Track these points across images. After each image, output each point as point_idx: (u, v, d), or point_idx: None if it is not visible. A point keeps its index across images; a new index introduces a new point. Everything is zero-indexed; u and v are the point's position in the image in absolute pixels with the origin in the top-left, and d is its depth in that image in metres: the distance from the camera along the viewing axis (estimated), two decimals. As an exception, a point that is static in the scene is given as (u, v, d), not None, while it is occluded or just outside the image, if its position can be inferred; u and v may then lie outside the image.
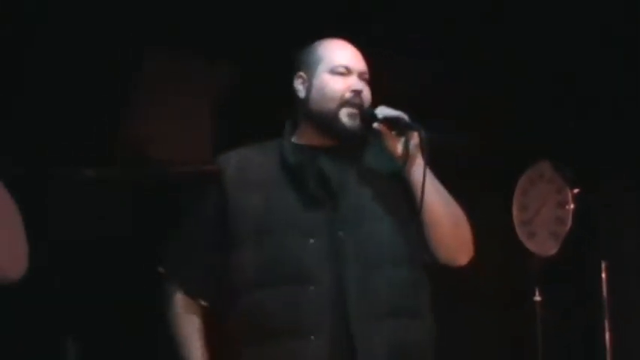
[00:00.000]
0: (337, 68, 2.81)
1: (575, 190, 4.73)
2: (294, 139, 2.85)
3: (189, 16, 4.37)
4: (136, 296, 4.38)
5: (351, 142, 2.80)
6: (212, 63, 4.63)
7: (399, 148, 2.73)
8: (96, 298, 4.37)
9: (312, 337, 2.68)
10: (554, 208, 4.78)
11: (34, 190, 4.22)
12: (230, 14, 4.40)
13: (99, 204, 4.48)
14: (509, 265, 4.93)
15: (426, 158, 2.71)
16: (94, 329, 4.39)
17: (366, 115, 2.76)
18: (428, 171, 2.75)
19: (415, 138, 2.71)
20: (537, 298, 4.75)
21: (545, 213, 4.80)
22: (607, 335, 4.60)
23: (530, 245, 4.82)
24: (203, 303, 2.86)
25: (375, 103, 2.83)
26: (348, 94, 2.78)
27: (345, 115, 2.78)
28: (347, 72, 2.81)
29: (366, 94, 2.82)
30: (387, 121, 2.72)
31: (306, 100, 2.83)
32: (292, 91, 2.86)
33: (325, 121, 2.79)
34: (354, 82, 2.80)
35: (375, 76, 2.92)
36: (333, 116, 2.78)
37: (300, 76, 2.85)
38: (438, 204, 2.76)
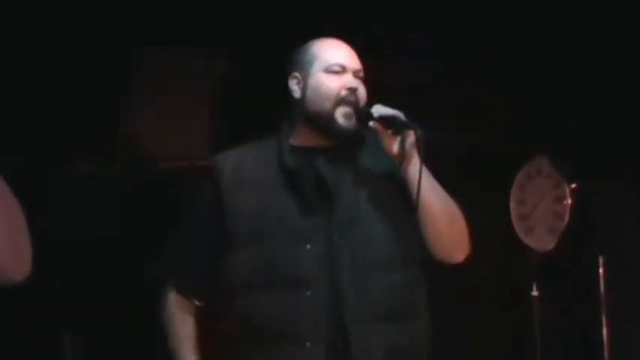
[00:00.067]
0: (332, 67, 2.80)
1: (573, 185, 4.73)
2: (290, 141, 2.84)
3: (189, 15, 4.37)
4: (134, 295, 4.39)
5: (347, 142, 2.79)
6: (212, 62, 4.63)
7: (395, 146, 2.72)
8: (94, 297, 4.37)
9: (308, 343, 2.67)
10: (552, 203, 4.78)
11: (32, 187, 4.22)
12: (230, 14, 4.40)
13: (98, 202, 4.48)
14: (507, 261, 4.93)
15: (422, 157, 2.70)
16: (91, 328, 4.39)
17: (362, 114, 2.75)
18: (424, 169, 2.74)
19: (411, 136, 2.71)
20: (535, 293, 4.75)
21: (542, 208, 4.80)
22: (604, 330, 4.60)
23: (528, 240, 4.82)
24: (198, 303, 2.86)
25: (375, 102, 2.82)
26: (343, 92, 2.78)
27: (340, 116, 2.77)
28: (342, 70, 2.80)
29: (362, 91, 2.81)
30: (383, 119, 2.72)
31: (301, 101, 2.82)
32: (287, 92, 2.86)
33: (321, 122, 2.78)
34: (349, 80, 2.80)
35: (375, 76, 2.92)
36: (329, 116, 2.77)
37: (295, 77, 2.84)
38: (435, 201, 2.76)
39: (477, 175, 4.67)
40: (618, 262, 4.71)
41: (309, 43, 2.88)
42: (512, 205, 4.86)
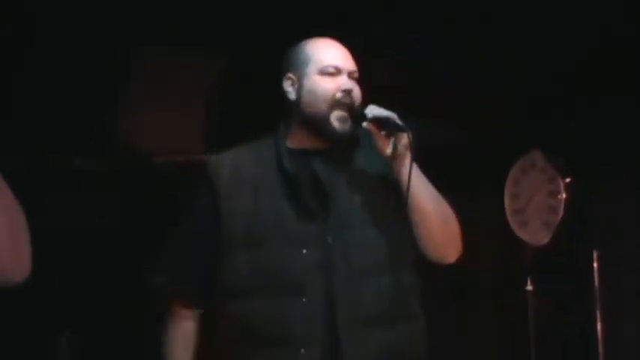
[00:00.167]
0: (327, 68, 2.79)
1: (567, 180, 4.73)
2: (287, 143, 2.84)
3: (188, 15, 4.37)
4: (131, 295, 4.39)
5: (342, 144, 2.79)
6: (212, 62, 4.63)
7: (388, 147, 2.72)
8: (92, 297, 4.38)
9: (303, 349, 2.66)
10: (546, 198, 4.78)
11: (32, 187, 4.22)
12: (230, 13, 4.40)
13: (98, 201, 4.49)
14: (501, 255, 4.94)
15: (413, 158, 2.70)
16: (88, 327, 4.39)
17: (356, 115, 2.75)
18: (418, 170, 2.75)
19: (404, 138, 2.71)
20: (529, 287, 4.75)
21: (537, 202, 4.80)
22: (599, 325, 4.60)
23: (522, 234, 4.82)
24: (197, 310, 2.85)
25: (375, 102, 2.82)
26: (338, 94, 2.77)
27: (335, 119, 2.76)
28: (336, 72, 2.80)
29: (357, 92, 2.81)
30: (376, 120, 2.72)
31: (297, 103, 2.81)
32: (282, 92, 2.85)
33: (317, 124, 2.78)
34: (344, 82, 2.79)
35: (375, 76, 2.92)
36: (325, 119, 2.76)
37: (290, 78, 2.83)
38: (427, 202, 2.76)
39: (472, 172, 4.67)
40: (615, 258, 4.72)
41: (303, 43, 2.87)
42: (506, 199, 4.86)
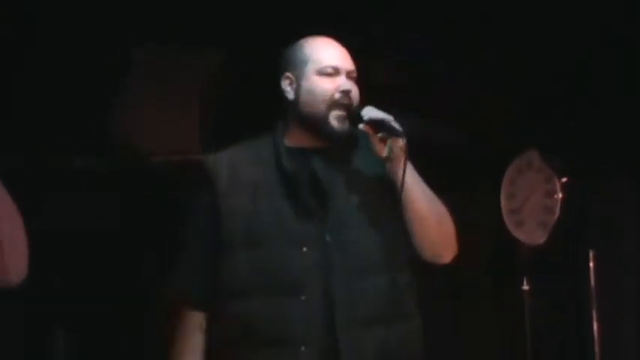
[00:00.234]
0: (325, 69, 2.80)
1: (564, 180, 4.73)
2: (285, 141, 2.84)
3: (188, 15, 4.37)
4: (129, 294, 4.39)
5: (340, 143, 2.79)
6: (212, 62, 4.63)
7: (384, 149, 2.73)
8: (89, 297, 4.38)
9: (303, 347, 2.68)
10: (543, 198, 4.78)
11: (31, 184, 4.22)
12: (229, 13, 4.39)
13: (97, 201, 4.49)
14: (497, 254, 4.93)
15: (406, 162, 2.71)
16: (85, 327, 4.39)
17: (353, 116, 2.76)
18: (413, 171, 2.77)
19: (399, 141, 2.71)
20: (525, 287, 4.75)
21: (533, 202, 4.80)
22: (595, 325, 4.60)
23: (519, 234, 4.81)
24: (203, 311, 2.84)
25: (374, 102, 2.82)
26: (337, 95, 2.78)
27: (334, 119, 2.77)
28: (335, 72, 2.80)
29: (355, 93, 2.81)
30: (372, 123, 2.72)
31: (295, 102, 2.82)
32: (280, 91, 2.85)
33: (315, 123, 2.78)
34: (343, 83, 2.80)
35: (375, 76, 2.92)
36: (323, 119, 2.77)
37: (288, 77, 2.84)
38: (422, 202, 2.77)
39: (472, 172, 4.67)
40: (613, 258, 4.72)
41: (301, 42, 2.87)
42: (502, 199, 4.86)
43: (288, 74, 2.83)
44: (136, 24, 4.34)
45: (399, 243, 2.78)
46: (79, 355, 4.40)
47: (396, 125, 2.71)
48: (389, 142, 2.71)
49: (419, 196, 2.76)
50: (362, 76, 2.88)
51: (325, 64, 2.80)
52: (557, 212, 4.70)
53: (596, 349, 4.59)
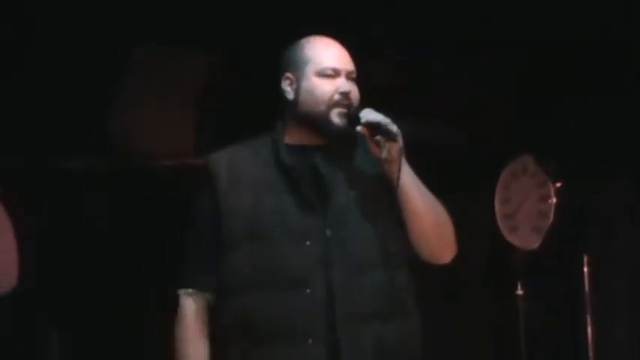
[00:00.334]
0: (325, 71, 2.80)
1: (558, 184, 4.73)
2: (285, 139, 2.85)
3: (188, 14, 4.37)
4: (131, 293, 4.39)
5: (340, 141, 2.80)
6: (212, 62, 4.64)
7: (381, 151, 2.73)
8: (91, 295, 4.38)
9: (310, 340, 2.68)
10: (537, 202, 4.78)
11: (31, 184, 4.23)
12: (229, 13, 4.40)
13: (97, 201, 4.49)
14: (492, 259, 4.94)
15: (400, 166, 2.72)
16: (87, 326, 4.39)
17: (351, 117, 2.77)
18: (411, 172, 2.77)
19: (396, 145, 2.72)
20: (519, 291, 4.75)
21: (527, 207, 4.80)
22: (589, 329, 4.61)
23: (513, 239, 4.82)
24: (211, 299, 2.84)
25: (375, 102, 2.83)
26: (336, 96, 2.79)
27: (335, 116, 2.78)
28: (335, 74, 2.81)
29: (354, 94, 2.82)
30: (369, 125, 2.73)
31: (295, 102, 2.82)
32: (280, 91, 2.86)
33: (316, 122, 2.79)
34: (342, 84, 2.80)
35: (374, 76, 2.92)
36: (324, 117, 2.78)
37: (288, 77, 2.84)
38: (419, 203, 2.77)
39: (472, 172, 4.68)
40: (607, 260, 4.72)
41: (302, 42, 2.87)
42: (497, 204, 4.86)
43: (289, 74, 2.84)
44: (136, 24, 4.34)
45: (398, 242, 2.79)
46: (79, 355, 4.41)
47: (393, 128, 2.71)
48: (386, 144, 2.72)
49: (416, 197, 2.77)
50: (362, 76, 2.88)
51: (325, 65, 2.81)
52: (552, 217, 4.70)
53: (590, 352, 4.60)
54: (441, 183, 2.85)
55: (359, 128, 2.74)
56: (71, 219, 4.42)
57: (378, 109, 2.80)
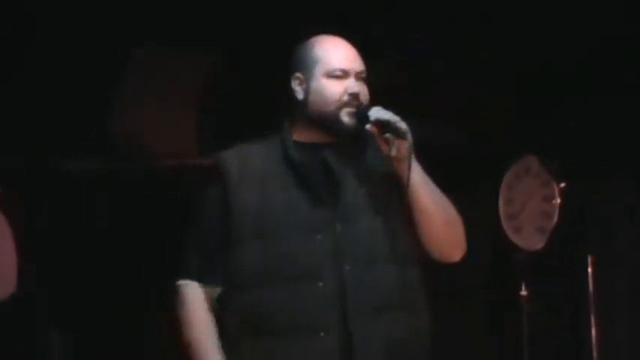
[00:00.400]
0: (334, 72, 2.82)
1: (562, 185, 4.73)
2: (294, 137, 2.86)
3: (189, 14, 4.37)
4: (130, 293, 4.39)
5: (350, 139, 2.81)
6: (212, 62, 4.64)
7: (390, 149, 2.74)
8: (91, 295, 4.38)
9: (322, 333, 2.70)
10: (541, 203, 4.78)
11: (31, 184, 4.23)
12: (230, 13, 4.40)
13: (97, 201, 4.49)
14: (495, 259, 4.93)
15: (409, 164, 2.72)
16: (86, 326, 4.39)
17: (360, 115, 2.77)
18: (421, 171, 2.79)
19: (405, 143, 2.73)
20: (523, 292, 4.75)
21: (531, 207, 4.80)
22: (593, 330, 4.60)
23: (517, 240, 4.81)
24: (217, 289, 2.83)
25: (374, 102, 2.83)
26: (345, 97, 2.80)
27: (345, 115, 2.79)
28: (344, 75, 2.82)
29: (364, 94, 2.83)
30: (378, 123, 2.74)
31: (304, 102, 2.83)
32: (290, 90, 2.86)
33: (325, 122, 2.81)
34: (352, 85, 2.81)
35: (374, 76, 2.92)
36: (334, 117, 2.79)
37: (298, 77, 2.85)
38: (429, 202, 2.79)
39: (472, 172, 4.68)
40: (609, 260, 4.72)
41: (312, 42, 2.87)
42: (501, 205, 4.86)
43: (298, 74, 2.85)
44: (136, 24, 4.34)
45: (408, 239, 2.80)
46: (79, 355, 4.41)
47: (402, 126, 2.72)
48: (395, 142, 2.72)
49: (426, 196, 2.78)
50: (362, 76, 2.89)
51: (334, 66, 2.82)
52: (556, 217, 4.70)
53: (594, 354, 4.60)
54: (442, 183, 2.85)
55: (368, 126, 2.75)
56: (71, 219, 4.42)
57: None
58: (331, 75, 2.81)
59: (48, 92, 4.32)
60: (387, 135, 2.73)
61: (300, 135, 2.86)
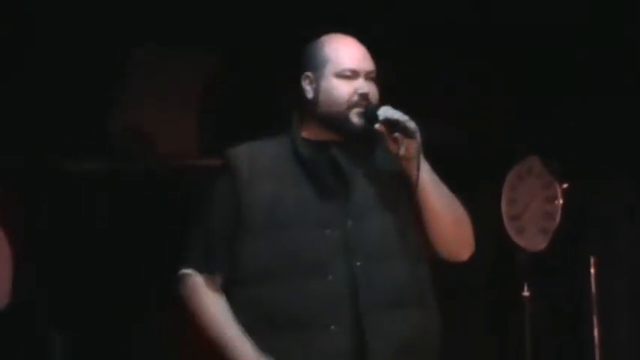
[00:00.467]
0: (344, 72, 2.82)
1: (564, 186, 4.73)
2: (303, 135, 2.86)
3: (189, 14, 4.37)
4: (130, 293, 4.39)
5: (360, 139, 2.81)
6: (212, 62, 4.64)
7: (399, 149, 2.74)
8: (90, 295, 4.38)
9: (333, 327, 2.70)
10: (543, 204, 4.78)
11: (31, 184, 4.23)
12: (230, 13, 4.40)
13: (97, 201, 4.49)
14: (498, 260, 4.93)
15: (419, 163, 2.73)
16: (86, 326, 4.39)
17: (369, 114, 2.77)
18: (430, 170, 2.79)
19: (414, 143, 2.73)
20: (526, 293, 4.75)
21: (534, 208, 4.80)
22: (595, 331, 4.60)
23: (519, 240, 4.81)
24: (219, 279, 2.82)
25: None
26: (355, 97, 2.80)
27: (354, 115, 2.80)
28: (353, 75, 2.82)
29: (373, 94, 2.84)
30: (387, 122, 2.74)
31: (314, 101, 2.84)
32: (299, 89, 2.86)
33: (335, 122, 2.81)
34: (361, 85, 2.81)
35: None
36: (343, 117, 2.80)
37: (308, 77, 2.86)
38: (438, 202, 2.79)
39: (472, 172, 4.67)
40: (611, 260, 4.72)
41: (322, 41, 2.88)
42: (503, 205, 4.86)
43: (308, 73, 2.86)
44: (136, 24, 4.34)
45: (417, 237, 2.80)
46: (79, 355, 4.41)
47: (411, 125, 2.72)
48: (404, 142, 2.72)
49: (435, 195, 2.79)
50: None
51: (344, 66, 2.82)
52: (558, 218, 4.70)
53: (597, 355, 4.60)
54: (447, 182, 2.85)
55: (377, 126, 2.75)
56: (71, 219, 4.42)
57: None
58: (341, 75, 2.82)
59: (48, 92, 4.32)
60: (396, 135, 2.73)
61: (310, 133, 2.87)
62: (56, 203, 4.41)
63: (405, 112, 2.76)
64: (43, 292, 4.31)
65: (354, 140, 2.82)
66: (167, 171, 4.58)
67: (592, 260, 4.65)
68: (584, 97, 4.71)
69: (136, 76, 4.55)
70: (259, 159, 2.84)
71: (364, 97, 2.80)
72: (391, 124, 2.73)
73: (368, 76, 2.84)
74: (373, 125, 2.76)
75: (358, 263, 2.72)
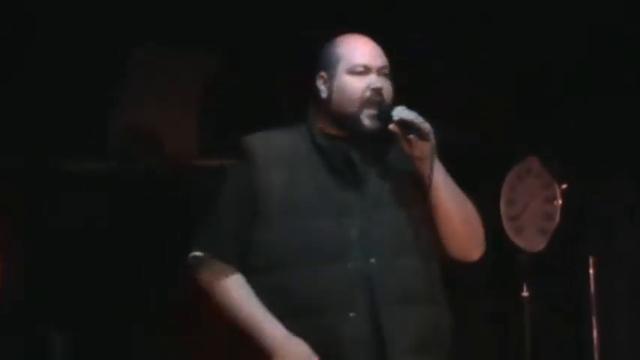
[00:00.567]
0: (356, 68, 2.83)
1: (564, 186, 4.73)
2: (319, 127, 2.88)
3: (189, 14, 4.37)
4: (130, 293, 4.39)
5: (373, 139, 2.82)
6: (212, 62, 4.64)
7: (413, 149, 2.75)
8: (90, 295, 4.38)
9: (352, 313, 2.70)
10: (542, 204, 4.78)
11: (31, 184, 4.23)
12: (230, 13, 4.40)
13: (97, 201, 4.49)
14: (497, 260, 4.93)
15: (432, 164, 2.73)
16: (86, 326, 4.39)
17: (383, 114, 2.78)
18: (443, 170, 2.81)
19: (427, 144, 2.74)
20: (526, 293, 4.75)
21: (533, 208, 4.80)
22: (594, 331, 4.60)
23: (518, 241, 4.81)
24: (237, 262, 2.81)
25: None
26: (367, 93, 2.81)
27: (366, 118, 2.80)
28: (366, 71, 2.83)
29: (387, 89, 2.84)
30: (402, 123, 2.74)
31: (328, 101, 2.85)
32: (314, 89, 2.87)
33: (347, 122, 2.82)
34: (373, 81, 2.82)
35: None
36: (356, 118, 2.80)
37: (322, 76, 2.87)
38: (450, 203, 2.80)
39: (472, 172, 4.67)
40: (611, 260, 4.72)
41: (335, 41, 2.90)
42: (502, 206, 4.86)
43: (322, 73, 2.87)
44: (136, 24, 4.34)
45: (429, 236, 2.81)
46: (79, 355, 4.41)
47: (425, 126, 2.73)
48: (418, 143, 2.73)
49: (448, 196, 2.80)
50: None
51: (355, 62, 2.83)
52: (557, 218, 4.70)
53: (596, 355, 4.60)
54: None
55: (391, 126, 2.75)
56: (71, 219, 4.42)
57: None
58: (353, 71, 2.82)
59: (48, 92, 4.32)
60: (410, 136, 2.73)
61: (325, 129, 2.87)
62: (56, 203, 4.41)
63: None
64: (42, 292, 4.31)
65: (367, 140, 2.82)
66: (167, 171, 4.58)
67: (591, 260, 4.65)
68: (584, 97, 4.71)
69: (136, 76, 4.55)
70: (275, 146, 2.84)
71: (377, 91, 2.80)
72: (406, 125, 2.74)
73: (381, 72, 2.84)
74: (387, 125, 2.76)
75: (372, 260, 2.73)
